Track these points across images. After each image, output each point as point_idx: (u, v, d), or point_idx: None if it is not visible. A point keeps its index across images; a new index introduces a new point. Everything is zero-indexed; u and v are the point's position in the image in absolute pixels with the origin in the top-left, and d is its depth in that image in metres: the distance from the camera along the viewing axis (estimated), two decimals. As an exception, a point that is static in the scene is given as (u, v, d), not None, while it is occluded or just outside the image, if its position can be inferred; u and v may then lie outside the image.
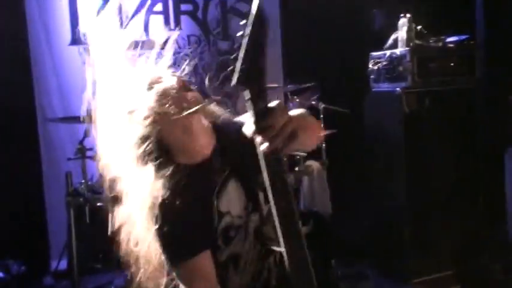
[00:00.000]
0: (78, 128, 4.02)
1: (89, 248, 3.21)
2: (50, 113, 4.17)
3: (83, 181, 3.38)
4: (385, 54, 3.52)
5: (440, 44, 3.43)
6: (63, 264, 3.67)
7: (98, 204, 3.23)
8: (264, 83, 1.13)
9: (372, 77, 3.65)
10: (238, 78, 1.11)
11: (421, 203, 3.33)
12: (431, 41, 3.44)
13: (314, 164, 3.71)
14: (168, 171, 1.43)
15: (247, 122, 1.17)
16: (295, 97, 3.92)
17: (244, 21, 1.10)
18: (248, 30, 1.09)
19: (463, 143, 3.40)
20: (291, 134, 1.13)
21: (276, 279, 1.50)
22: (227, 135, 1.53)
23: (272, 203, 1.17)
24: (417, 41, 3.41)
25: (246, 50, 1.09)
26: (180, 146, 1.47)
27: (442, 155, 3.34)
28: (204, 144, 1.50)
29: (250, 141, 1.37)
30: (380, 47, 3.65)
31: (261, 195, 1.49)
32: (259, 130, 1.12)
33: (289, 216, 1.17)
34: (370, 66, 3.65)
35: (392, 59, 3.44)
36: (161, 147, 1.44)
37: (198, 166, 1.48)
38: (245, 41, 1.09)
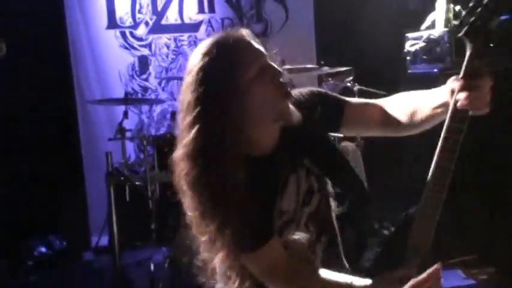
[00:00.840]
0: (115, 110, 4.12)
1: (129, 225, 3.29)
2: (88, 95, 4.29)
3: (123, 161, 3.47)
4: (422, 36, 3.47)
5: (479, 24, 3.36)
6: (103, 241, 3.77)
7: (137, 183, 3.31)
8: (488, 46, 1.16)
9: (408, 58, 3.61)
10: (466, 31, 1.16)
11: (456, 184, 3.30)
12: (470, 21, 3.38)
13: (349, 145, 3.69)
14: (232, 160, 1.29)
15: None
16: (329, 78, 3.91)
17: None
18: None
19: (503, 124, 3.34)
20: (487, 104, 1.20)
21: (321, 264, 1.45)
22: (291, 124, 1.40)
23: (436, 155, 1.27)
24: (455, 22, 3.35)
25: (486, 5, 1.13)
26: (249, 135, 1.34)
27: (481, 136, 3.30)
28: (272, 135, 1.39)
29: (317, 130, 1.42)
30: (415, 28, 3.60)
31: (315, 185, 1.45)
32: (467, 86, 1.17)
33: (444, 173, 1.30)
34: (407, 47, 3.61)
35: (430, 40, 3.39)
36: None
37: (262, 160, 1.38)
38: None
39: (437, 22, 3.43)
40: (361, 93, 3.79)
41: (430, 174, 1.29)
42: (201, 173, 1.28)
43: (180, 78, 4.49)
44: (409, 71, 3.60)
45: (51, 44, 4.12)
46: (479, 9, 1.13)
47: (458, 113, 1.21)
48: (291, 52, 4.36)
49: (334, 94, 1.53)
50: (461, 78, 1.18)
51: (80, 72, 4.32)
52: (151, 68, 4.47)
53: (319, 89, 1.52)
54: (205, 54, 1.29)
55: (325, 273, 1.36)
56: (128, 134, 3.68)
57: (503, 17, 3.35)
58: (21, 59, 3.93)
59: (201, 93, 1.26)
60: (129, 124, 3.88)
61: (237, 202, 1.28)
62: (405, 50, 3.62)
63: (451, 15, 3.38)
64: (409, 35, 3.61)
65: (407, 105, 1.42)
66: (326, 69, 3.78)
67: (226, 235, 1.30)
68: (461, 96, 1.19)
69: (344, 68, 3.79)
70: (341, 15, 4.34)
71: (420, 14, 3.68)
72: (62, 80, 4.22)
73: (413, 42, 3.55)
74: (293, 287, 1.37)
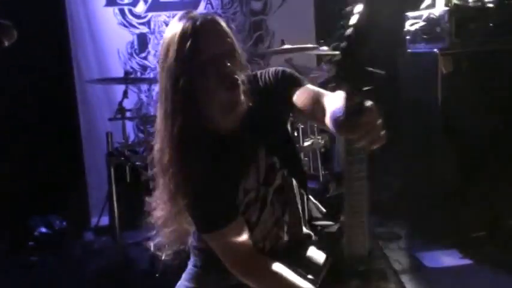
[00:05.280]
0: (114, 89, 4.11)
1: (129, 205, 3.32)
2: (87, 74, 4.25)
3: (123, 141, 3.47)
4: (422, 15, 3.45)
5: (479, 4, 3.33)
6: (103, 221, 3.79)
7: (137, 163, 3.31)
8: (364, 79, 1.04)
9: (408, 37, 3.60)
10: (337, 72, 1.03)
11: (455, 164, 3.33)
12: (470, 1, 3.36)
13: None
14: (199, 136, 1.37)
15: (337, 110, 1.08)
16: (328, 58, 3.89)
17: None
18: (354, 20, 1.02)
19: (501, 105, 3.35)
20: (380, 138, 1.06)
21: (287, 233, 1.54)
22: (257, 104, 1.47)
23: (346, 199, 1.19)
24: (456, 1, 3.33)
25: (349, 44, 1.01)
26: (208, 114, 1.41)
27: (479, 117, 3.31)
28: (232, 118, 1.44)
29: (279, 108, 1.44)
30: (416, 7, 3.58)
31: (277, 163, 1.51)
32: (350, 126, 1.04)
33: (359, 215, 1.21)
34: (407, 26, 3.60)
35: (429, 20, 3.38)
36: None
37: (230, 138, 1.45)
38: (348, 32, 1.01)
39: (437, 1, 3.41)
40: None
41: (345, 220, 1.24)
42: (174, 153, 1.37)
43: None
44: (409, 51, 3.60)
45: (50, 23, 4.07)
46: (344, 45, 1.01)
47: (353, 154, 1.12)
48: (290, 31, 4.36)
49: (293, 80, 1.49)
50: (343, 118, 1.04)
51: (79, 51, 4.27)
52: (150, 47, 4.44)
53: (283, 71, 1.51)
54: (172, 31, 1.37)
55: (281, 270, 1.40)
56: (128, 114, 3.68)
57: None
58: (19, 38, 3.89)
59: (165, 68, 1.37)
60: (129, 103, 3.88)
61: (205, 181, 1.36)
62: (405, 29, 3.61)
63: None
64: (409, 14, 3.60)
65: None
66: (325, 49, 3.75)
67: (193, 214, 1.42)
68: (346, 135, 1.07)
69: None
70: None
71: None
72: (60, 59, 4.18)
73: (413, 22, 3.54)
74: (247, 271, 1.43)
